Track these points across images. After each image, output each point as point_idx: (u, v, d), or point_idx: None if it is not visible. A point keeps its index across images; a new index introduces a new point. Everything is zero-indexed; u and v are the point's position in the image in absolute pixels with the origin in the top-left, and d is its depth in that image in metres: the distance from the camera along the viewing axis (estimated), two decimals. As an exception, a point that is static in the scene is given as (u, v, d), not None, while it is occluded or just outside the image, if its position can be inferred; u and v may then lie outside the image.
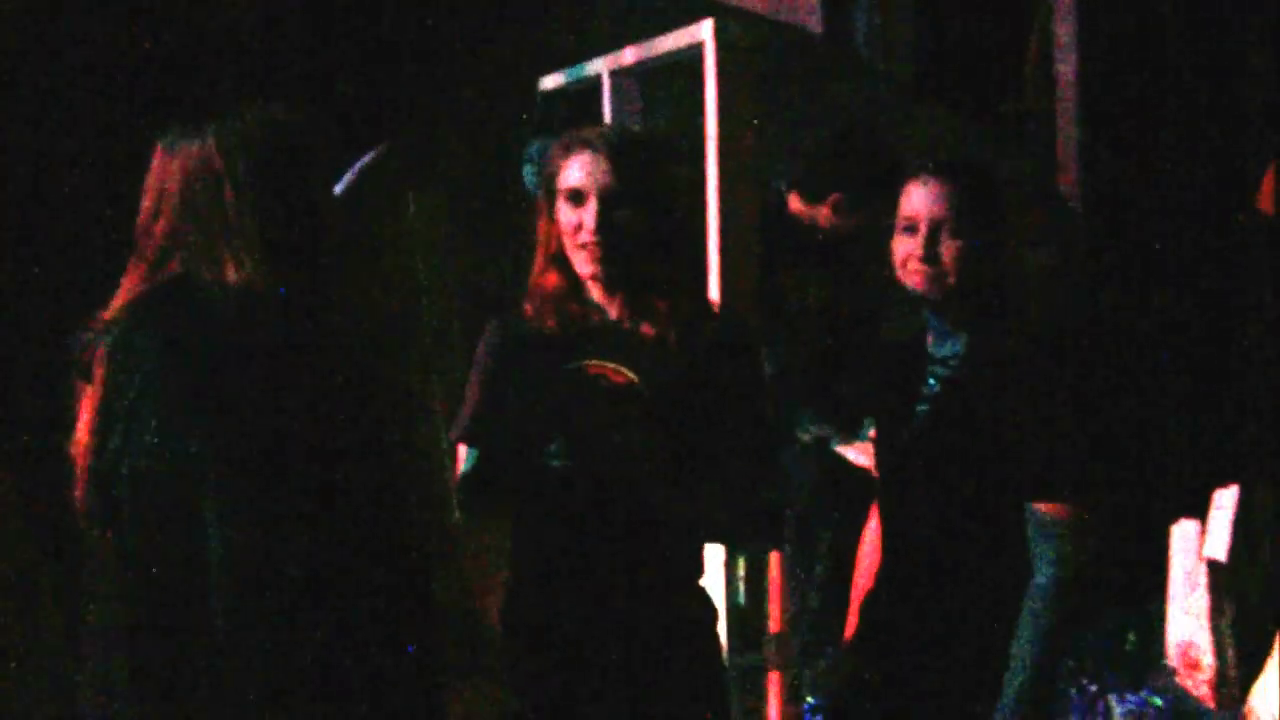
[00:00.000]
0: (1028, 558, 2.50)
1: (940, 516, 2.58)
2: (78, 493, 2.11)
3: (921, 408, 2.64)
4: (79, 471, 2.10)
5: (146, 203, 2.16)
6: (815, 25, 5.81)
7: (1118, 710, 2.69)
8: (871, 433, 3.36)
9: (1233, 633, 2.81)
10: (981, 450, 2.54)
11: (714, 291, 3.73)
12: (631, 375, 2.53)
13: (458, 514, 2.69)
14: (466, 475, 2.65)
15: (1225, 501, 2.95)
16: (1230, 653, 2.81)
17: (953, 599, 2.58)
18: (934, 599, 2.60)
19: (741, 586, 4.17)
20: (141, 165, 2.19)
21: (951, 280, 2.56)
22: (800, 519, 4.06)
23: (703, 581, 2.68)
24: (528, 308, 2.63)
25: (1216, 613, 2.82)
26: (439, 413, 3.80)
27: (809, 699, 4.09)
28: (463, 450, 2.67)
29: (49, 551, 3.03)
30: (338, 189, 3.88)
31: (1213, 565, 2.88)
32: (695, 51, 3.82)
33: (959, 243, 2.56)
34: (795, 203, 4.02)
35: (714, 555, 3.73)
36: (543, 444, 2.52)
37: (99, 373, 2.08)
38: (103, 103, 4.05)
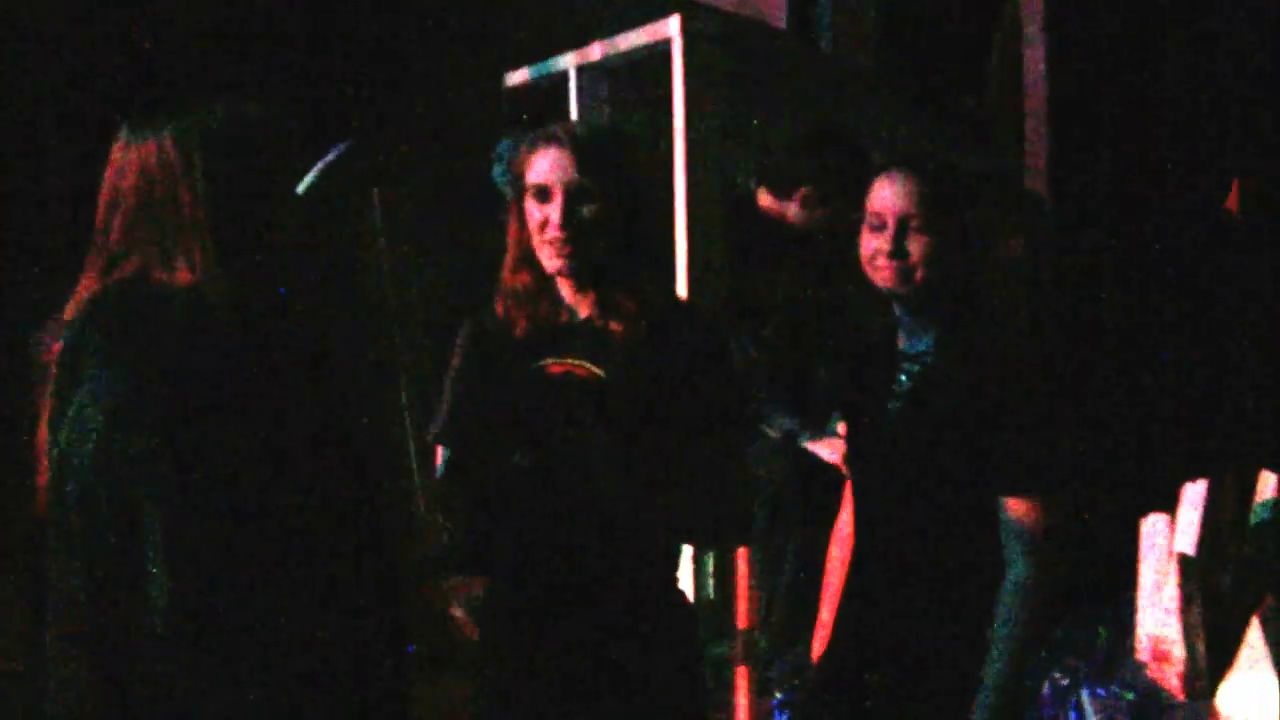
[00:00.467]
0: (999, 553, 2.50)
1: (911, 513, 2.58)
2: (39, 492, 2.09)
3: (892, 404, 2.63)
4: (40, 470, 2.08)
5: (103, 200, 2.14)
6: (780, 21, 5.81)
7: (1089, 704, 2.69)
8: (840, 428, 3.36)
9: (1203, 625, 2.82)
10: (952, 447, 2.54)
11: (682, 286, 3.72)
12: (597, 371, 2.52)
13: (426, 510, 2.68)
14: (440, 477, 2.65)
15: (1194, 496, 2.95)
16: (1200, 645, 2.81)
17: (924, 595, 2.58)
18: (904, 595, 2.60)
19: (710, 581, 4.17)
20: (103, 162, 2.16)
21: (919, 276, 2.56)
22: (769, 515, 4.06)
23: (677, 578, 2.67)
24: (499, 307, 2.62)
25: (1187, 606, 2.83)
26: (406, 408, 3.78)
27: (777, 694, 4.09)
28: (440, 451, 2.68)
29: (12, 552, 3.00)
30: (301, 186, 3.86)
31: (1183, 559, 2.88)
32: (662, 47, 3.81)
33: (926, 239, 2.55)
34: (764, 198, 4.02)
35: (682, 550, 3.73)
36: (509, 444, 2.51)
37: (53, 373, 2.06)
38: (63, 99, 4.02)
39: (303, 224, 2.25)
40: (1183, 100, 4.38)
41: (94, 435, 2.00)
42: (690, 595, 3.65)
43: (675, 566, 2.67)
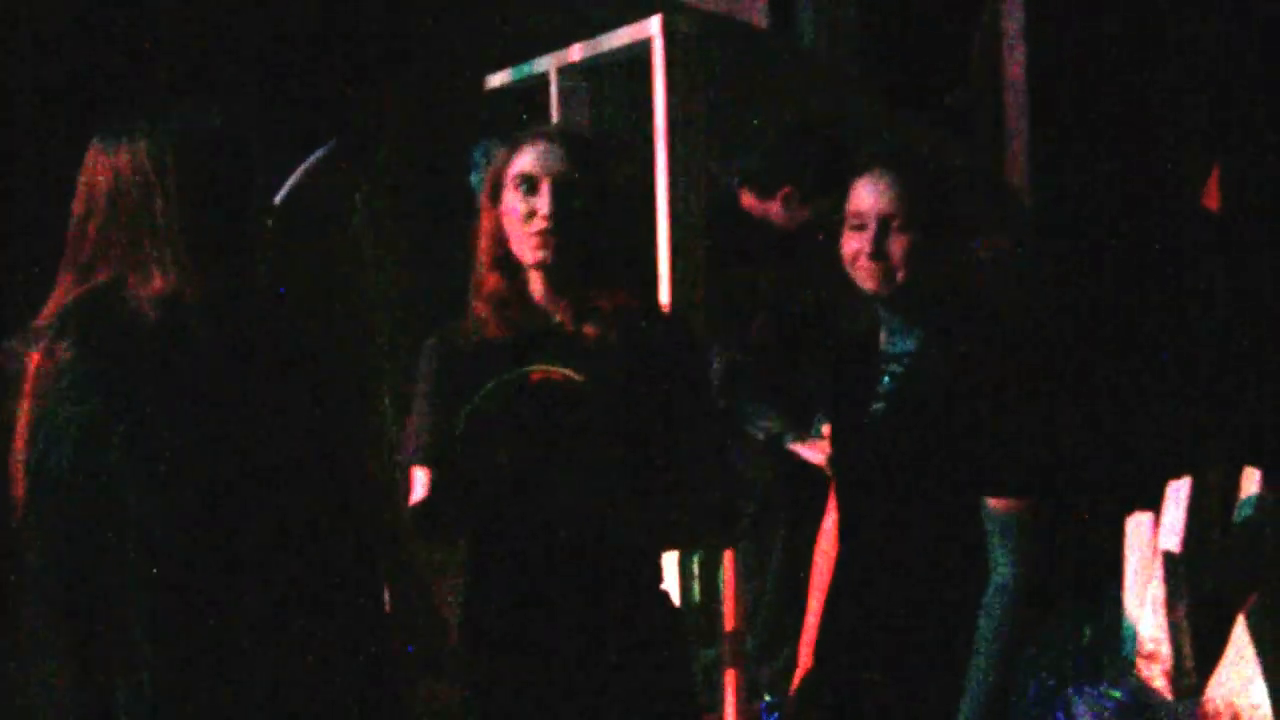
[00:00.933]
0: (984, 555, 2.49)
1: (896, 514, 2.57)
2: (15, 499, 2.07)
3: (876, 405, 2.63)
4: (15, 478, 2.07)
5: (76, 208, 2.13)
6: (761, 20, 5.81)
7: (1076, 703, 2.69)
8: (825, 429, 3.35)
9: (1189, 624, 2.82)
10: (936, 447, 2.53)
11: (665, 286, 3.72)
12: (575, 376, 2.50)
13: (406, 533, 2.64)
14: (423, 501, 2.58)
15: (1179, 493, 2.95)
16: (1187, 643, 2.81)
17: (909, 596, 2.57)
18: (890, 596, 2.59)
19: (696, 584, 4.16)
20: (77, 169, 2.15)
21: (901, 276, 2.55)
22: (754, 517, 4.05)
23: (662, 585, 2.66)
24: (469, 316, 2.60)
25: (1172, 604, 2.83)
26: (388, 413, 3.77)
27: (765, 697, 4.08)
28: (416, 474, 2.61)
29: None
30: (282, 191, 3.84)
31: (1168, 557, 2.88)
32: (643, 47, 3.80)
33: (907, 238, 2.54)
34: (746, 198, 4.02)
35: (668, 553, 3.72)
36: (490, 455, 2.48)
37: (28, 383, 2.04)
38: (40, 104, 4.00)
39: (277, 231, 2.24)
40: (1162, 97, 4.38)
41: (69, 445, 1.99)
42: (677, 599, 3.65)
43: (659, 568, 2.65)
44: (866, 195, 2.57)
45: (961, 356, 2.55)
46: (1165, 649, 2.82)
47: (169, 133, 2.09)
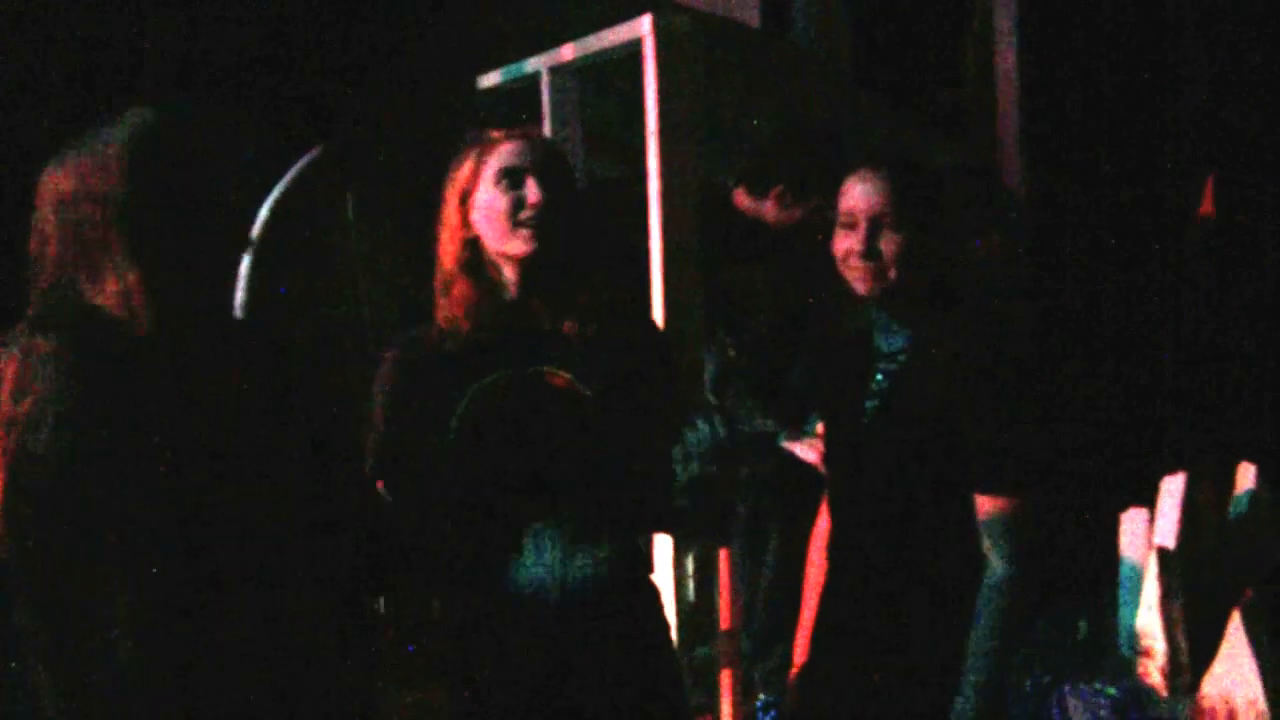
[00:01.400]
0: (978, 551, 2.49)
1: (888, 512, 2.57)
2: None
3: (869, 403, 2.62)
4: None
5: (34, 236, 2.12)
6: (753, 18, 5.80)
7: (1071, 700, 2.69)
8: (819, 428, 3.35)
9: (1184, 620, 2.82)
10: (928, 445, 2.53)
11: (657, 285, 3.71)
12: (568, 377, 2.51)
13: None
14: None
15: (1173, 489, 2.95)
16: (1182, 639, 2.81)
17: (903, 594, 2.57)
18: (884, 594, 2.59)
19: (690, 584, 4.16)
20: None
21: (892, 275, 2.55)
22: (749, 515, 4.05)
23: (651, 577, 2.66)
24: (435, 322, 2.59)
25: (1167, 600, 2.83)
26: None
27: (761, 696, 4.08)
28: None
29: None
30: (271, 195, 3.84)
31: (1162, 552, 2.88)
32: (634, 46, 3.80)
33: (898, 237, 2.54)
34: (740, 196, 4.02)
35: (662, 553, 3.71)
36: (484, 447, 2.48)
37: (5, 385, 2.04)
38: (23, 104, 3.99)
39: (239, 235, 2.22)
40: (1154, 94, 4.38)
41: (45, 433, 1.98)
42: (672, 598, 3.65)
43: (650, 562, 2.66)
44: (857, 195, 2.57)
45: (952, 354, 2.55)
46: (1160, 645, 2.82)
47: (120, 137, 2.07)
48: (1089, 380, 4.27)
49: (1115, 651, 2.88)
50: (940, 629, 2.52)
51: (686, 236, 3.73)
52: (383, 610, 3.60)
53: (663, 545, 3.73)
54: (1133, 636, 2.85)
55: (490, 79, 4.62)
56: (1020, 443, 2.50)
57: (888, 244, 2.54)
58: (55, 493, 1.99)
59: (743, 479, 3.89)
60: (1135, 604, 2.89)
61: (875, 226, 2.55)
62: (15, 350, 2.05)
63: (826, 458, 2.81)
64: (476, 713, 2.57)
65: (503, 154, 2.54)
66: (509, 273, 2.56)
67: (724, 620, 4.03)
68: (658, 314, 3.70)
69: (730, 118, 4.38)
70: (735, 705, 4.03)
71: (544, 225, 2.51)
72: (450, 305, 2.57)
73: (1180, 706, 2.72)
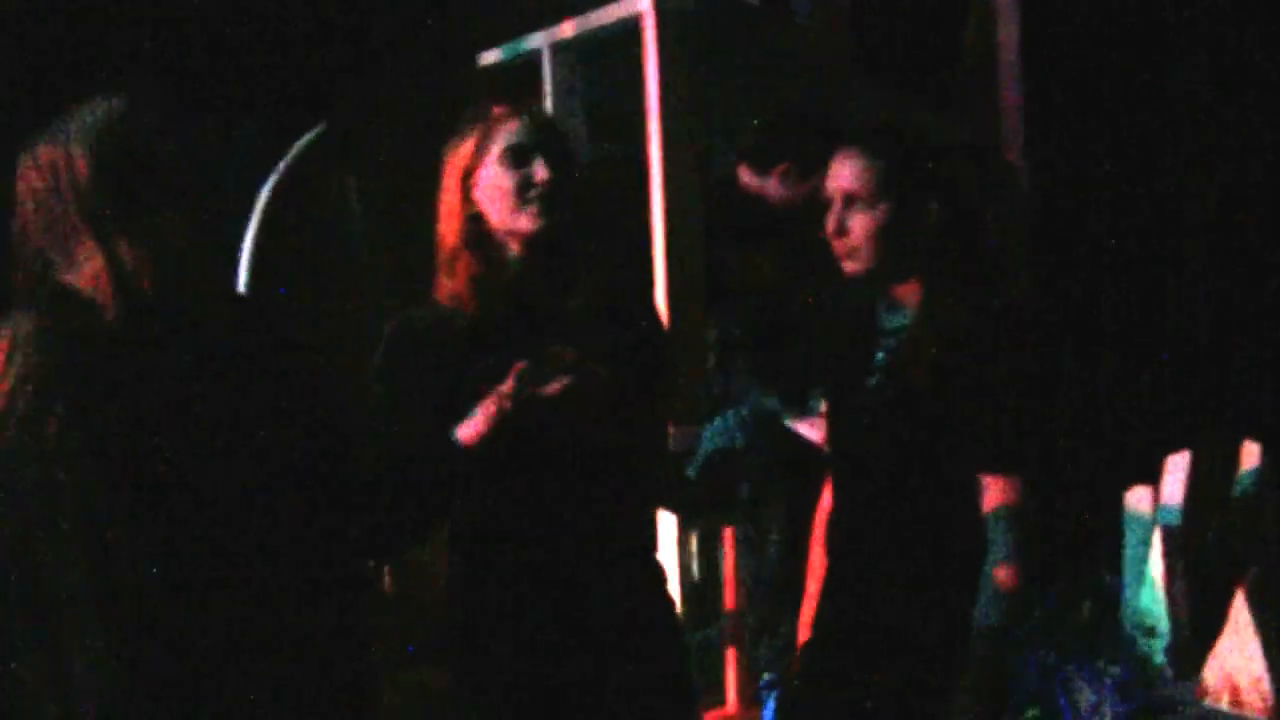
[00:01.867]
0: (981, 529, 2.49)
1: (891, 490, 2.57)
2: None
3: (871, 380, 2.62)
4: None
5: (15, 224, 2.13)
6: (754, -5, 5.78)
7: (1075, 680, 2.68)
8: (823, 406, 3.35)
9: (1188, 599, 2.81)
10: (929, 423, 2.52)
11: (660, 264, 3.71)
12: (576, 353, 2.50)
13: None
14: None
15: (1178, 467, 2.94)
16: (1186, 619, 2.81)
17: (907, 573, 2.57)
18: (887, 573, 2.59)
19: (695, 563, 4.16)
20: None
21: (865, 254, 2.55)
22: (753, 494, 4.05)
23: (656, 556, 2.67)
24: (436, 300, 2.58)
25: (1171, 579, 2.82)
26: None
27: (765, 675, 4.08)
28: None
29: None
30: (271, 177, 3.83)
31: (1166, 531, 2.88)
32: (634, 23, 3.79)
33: (868, 218, 2.54)
34: (744, 174, 4.00)
35: (667, 532, 3.71)
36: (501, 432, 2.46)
37: None
38: (17, 97, 3.98)
39: (205, 216, 2.21)
40: (1156, 72, 4.37)
41: (14, 420, 1.99)
42: (676, 579, 3.65)
43: (655, 540, 2.67)
44: (832, 174, 2.59)
45: (951, 331, 2.54)
46: (1164, 624, 2.82)
47: (85, 125, 2.09)
48: (1092, 357, 4.27)
49: (1119, 631, 2.87)
50: (943, 607, 2.51)
51: (688, 213, 3.73)
52: (388, 591, 3.60)
53: (667, 524, 3.73)
54: (1137, 615, 2.85)
55: (491, 56, 4.61)
56: (1022, 420, 2.50)
57: (856, 223, 2.55)
58: (23, 461, 2.00)
59: (748, 459, 3.89)
60: (1139, 583, 2.88)
61: (847, 206, 2.56)
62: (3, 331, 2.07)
63: (829, 436, 2.81)
64: (479, 693, 2.57)
65: (508, 132, 2.54)
66: (514, 250, 2.55)
67: (728, 600, 4.04)
68: (660, 291, 3.70)
69: (731, 95, 4.36)
70: (740, 684, 4.03)
71: (551, 202, 2.50)
72: (454, 283, 2.56)
73: (1184, 686, 2.72)
